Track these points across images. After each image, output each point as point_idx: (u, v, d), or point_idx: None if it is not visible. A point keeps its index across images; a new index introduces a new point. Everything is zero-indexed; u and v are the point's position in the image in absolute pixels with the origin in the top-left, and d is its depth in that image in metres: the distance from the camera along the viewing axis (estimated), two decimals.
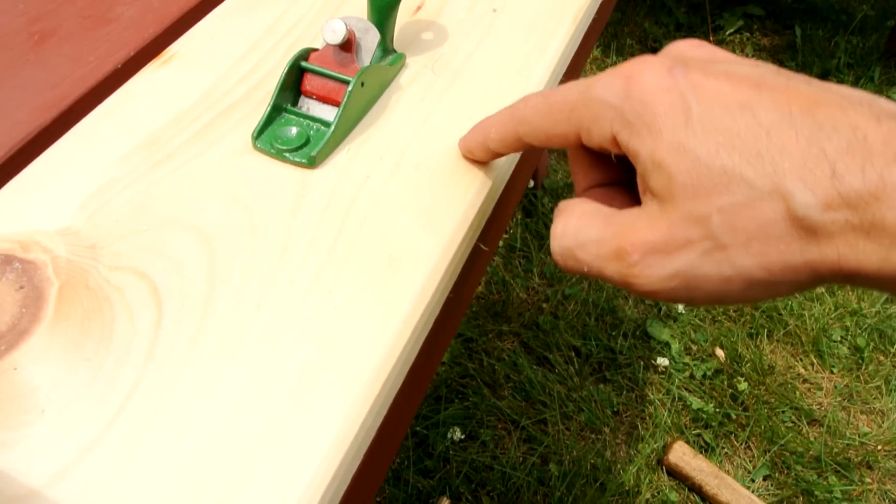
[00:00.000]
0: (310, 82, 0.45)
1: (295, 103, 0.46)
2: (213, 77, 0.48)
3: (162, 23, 0.54)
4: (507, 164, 0.45)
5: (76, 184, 0.41)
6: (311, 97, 0.46)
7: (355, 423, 0.32)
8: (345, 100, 0.43)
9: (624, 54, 2.25)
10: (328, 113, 0.45)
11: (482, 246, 0.44)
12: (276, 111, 0.45)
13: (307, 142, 0.43)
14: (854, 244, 0.25)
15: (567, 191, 1.72)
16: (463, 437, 1.28)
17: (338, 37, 0.44)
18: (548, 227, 1.61)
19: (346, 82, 0.44)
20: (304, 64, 0.45)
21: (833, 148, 0.25)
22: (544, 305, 1.49)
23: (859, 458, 1.38)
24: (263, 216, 0.40)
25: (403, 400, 0.39)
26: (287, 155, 0.43)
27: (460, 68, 0.50)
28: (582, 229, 0.33)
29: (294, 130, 0.44)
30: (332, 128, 0.43)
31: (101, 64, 0.50)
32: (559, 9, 0.55)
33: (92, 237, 0.39)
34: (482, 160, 0.43)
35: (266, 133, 0.44)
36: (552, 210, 1.67)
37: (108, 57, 0.51)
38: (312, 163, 0.42)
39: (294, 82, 0.45)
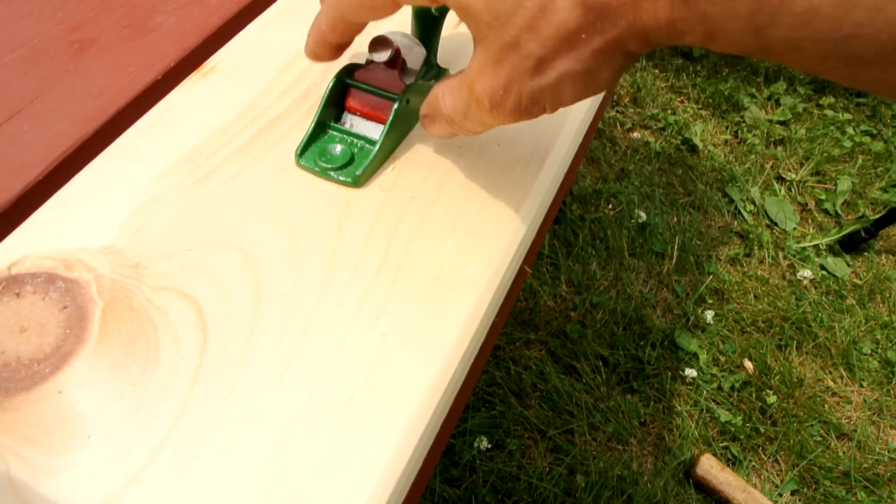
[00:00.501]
0: (354, 99, 0.45)
1: (338, 120, 0.45)
2: (255, 90, 0.48)
3: (202, 33, 0.53)
4: (552, 184, 0.45)
5: (119, 200, 0.41)
6: (355, 114, 0.45)
7: (404, 455, 0.32)
8: (390, 117, 0.43)
9: (654, 58, 2.23)
10: (373, 130, 0.44)
11: (526, 268, 0.44)
12: (319, 128, 0.44)
13: (351, 160, 0.43)
14: (639, 5, 0.28)
15: (595, 197, 1.71)
16: (489, 446, 1.27)
17: (384, 54, 0.43)
18: (576, 235, 1.60)
19: (392, 99, 0.43)
20: (348, 80, 0.44)
21: None
22: (572, 314, 1.48)
23: (889, 474, 1.36)
24: (308, 237, 0.39)
25: (444, 423, 0.38)
26: (331, 173, 0.42)
27: None
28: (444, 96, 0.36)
29: (339, 148, 0.43)
30: (377, 146, 0.42)
31: (141, 74, 0.50)
32: None
33: (135, 256, 0.38)
34: (332, 57, 0.41)
35: (310, 151, 0.43)
36: (580, 217, 1.66)
37: (149, 67, 0.50)
38: (357, 182, 0.42)
39: (338, 98, 0.45)
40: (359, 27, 0.39)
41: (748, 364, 1.48)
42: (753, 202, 1.79)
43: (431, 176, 0.43)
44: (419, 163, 0.44)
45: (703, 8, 0.27)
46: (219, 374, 0.34)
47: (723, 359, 1.48)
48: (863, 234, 1.69)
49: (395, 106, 0.43)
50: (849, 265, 1.70)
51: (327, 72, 0.49)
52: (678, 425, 1.37)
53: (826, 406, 1.44)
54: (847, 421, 1.43)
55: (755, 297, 1.59)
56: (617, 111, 1.94)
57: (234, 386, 0.33)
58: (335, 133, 0.45)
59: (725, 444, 1.36)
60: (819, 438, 1.40)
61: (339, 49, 0.41)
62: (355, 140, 0.44)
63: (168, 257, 0.39)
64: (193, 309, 0.36)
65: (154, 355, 0.34)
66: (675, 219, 1.72)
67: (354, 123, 0.45)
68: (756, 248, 1.69)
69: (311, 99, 0.47)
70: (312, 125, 0.44)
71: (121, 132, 0.45)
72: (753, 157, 1.90)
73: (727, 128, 1.98)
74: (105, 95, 0.48)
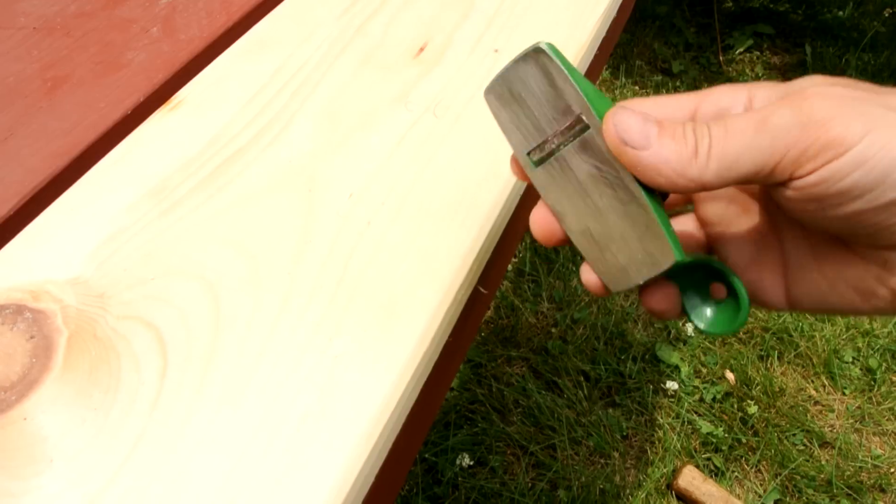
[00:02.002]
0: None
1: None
2: (220, 123, 0.50)
3: (171, 68, 0.55)
4: (507, 206, 0.46)
5: (86, 233, 0.43)
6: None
7: (351, 473, 0.33)
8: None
9: (633, 76, 2.26)
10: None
11: (481, 289, 0.45)
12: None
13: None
14: None
15: None
16: (472, 463, 1.29)
17: None
18: (556, 251, 1.62)
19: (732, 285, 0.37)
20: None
21: None
22: (553, 330, 1.50)
23: (872, 481, 1.38)
24: (267, 264, 0.41)
25: (402, 443, 0.40)
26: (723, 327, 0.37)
27: (462, 111, 0.51)
28: None
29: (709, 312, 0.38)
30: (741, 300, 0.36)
31: (112, 110, 0.52)
32: (562, 45, 0.56)
33: (101, 286, 0.40)
34: None
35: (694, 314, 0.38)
36: None
37: (119, 103, 0.52)
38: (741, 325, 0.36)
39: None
40: None
41: (729, 375, 1.50)
42: None
43: (388, 201, 0.45)
44: (378, 189, 0.45)
45: None
46: (178, 399, 0.35)
47: (704, 370, 1.50)
48: None
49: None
50: None
51: (292, 102, 0.51)
52: (660, 438, 1.38)
53: (808, 415, 1.46)
54: (829, 429, 1.45)
55: None
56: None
57: (191, 410, 0.35)
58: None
59: (708, 455, 1.37)
60: (802, 447, 1.41)
61: None
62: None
63: (132, 287, 0.40)
64: (155, 337, 0.38)
65: (116, 381, 0.36)
66: None
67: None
68: None
69: (273, 130, 0.49)
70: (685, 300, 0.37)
71: (91, 166, 0.47)
72: None
73: None
74: (76, 131, 0.50)
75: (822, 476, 1.37)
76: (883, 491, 1.38)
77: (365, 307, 0.39)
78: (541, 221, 0.36)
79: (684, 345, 1.53)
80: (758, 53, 2.43)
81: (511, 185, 0.46)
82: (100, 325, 0.38)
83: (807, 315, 1.61)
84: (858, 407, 1.49)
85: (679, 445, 1.37)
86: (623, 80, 2.24)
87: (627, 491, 1.30)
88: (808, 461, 1.39)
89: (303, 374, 0.36)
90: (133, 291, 0.40)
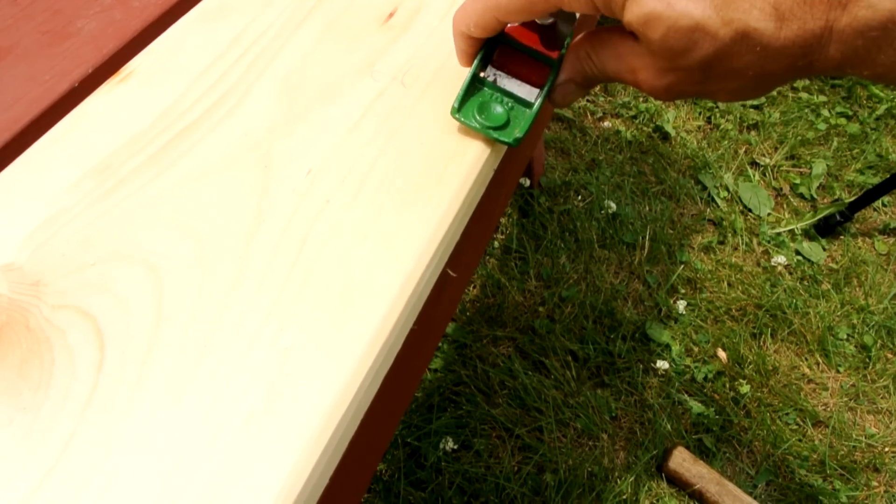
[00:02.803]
0: (504, 55, 0.44)
1: (482, 71, 0.44)
2: (172, 95, 0.46)
3: (123, 37, 0.52)
4: (478, 183, 0.43)
5: (23, 215, 0.39)
6: (502, 70, 0.44)
7: (301, 475, 0.30)
8: (549, 82, 0.42)
9: None
10: (519, 89, 0.44)
11: (450, 272, 0.42)
12: (474, 82, 0.44)
13: (508, 121, 0.42)
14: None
15: (564, 189, 1.70)
16: (456, 447, 1.26)
17: (548, 17, 0.42)
18: (545, 228, 1.59)
19: (549, 64, 0.43)
20: (506, 35, 0.43)
21: None
22: (540, 309, 1.47)
23: (866, 461, 1.36)
24: (216, 247, 0.38)
25: (365, 441, 0.37)
26: (491, 132, 0.42)
27: (432, 80, 0.47)
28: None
29: (498, 108, 0.43)
30: (535, 109, 0.42)
31: (57, 83, 0.48)
32: None
33: (36, 273, 0.37)
34: (470, 49, 0.43)
35: (467, 105, 0.43)
36: (549, 210, 1.65)
37: (65, 75, 0.49)
38: (517, 144, 0.42)
39: (488, 52, 0.44)
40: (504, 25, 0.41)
41: (721, 354, 1.48)
42: (727, 188, 1.78)
43: (349, 179, 0.41)
44: (338, 165, 0.42)
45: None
46: (114, 396, 0.32)
47: (696, 349, 1.48)
48: (838, 217, 1.69)
49: (553, 73, 0.42)
50: (824, 249, 1.69)
51: (250, 73, 0.47)
52: (650, 419, 1.36)
53: (801, 394, 1.44)
54: (823, 408, 1.43)
55: (729, 285, 1.58)
56: (587, 100, 1.93)
57: (128, 408, 0.32)
58: (487, 90, 0.44)
59: (699, 436, 1.35)
60: (794, 427, 1.39)
61: (480, 42, 0.43)
62: (506, 99, 0.43)
63: (70, 274, 0.37)
64: (92, 328, 0.35)
65: (48, 377, 0.33)
66: (647, 208, 1.71)
67: (499, 79, 0.44)
68: (730, 235, 1.68)
69: (228, 102, 0.46)
70: (469, 78, 0.43)
71: (32, 143, 0.44)
72: (727, 142, 1.89)
73: (700, 114, 1.97)
74: (18, 106, 0.47)
75: (815, 456, 1.35)
76: (877, 471, 1.36)
77: (320, 294, 0.36)
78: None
79: (675, 323, 1.51)
80: None
81: (483, 161, 0.43)
82: (33, 315, 0.35)
83: (801, 291, 1.59)
84: (853, 385, 1.47)
85: (669, 426, 1.35)
86: None
87: (616, 473, 1.27)
88: (800, 441, 1.37)
89: (249, 369, 0.33)
90: (71, 279, 0.37)
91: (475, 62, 0.43)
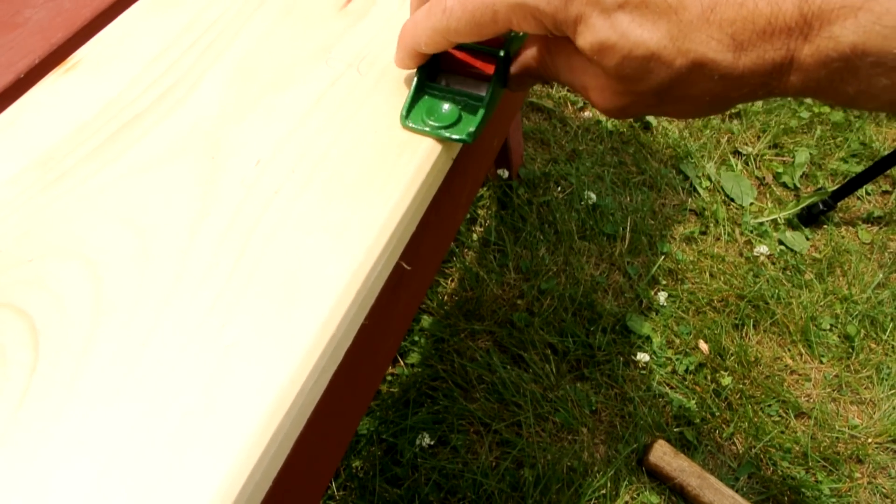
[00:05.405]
0: (450, 57, 0.43)
1: (433, 79, 0.44)
2: (119, 85, 0.45)
3: (72, 26, 0.50)
4: (435, 173, 0.42)
5: None
6: (451, 72, 0.44)
7: (239, 477, 0.29)
8: (496, 73, 0.42)
9: None
10: (473, 87, 0.43)
11: (405, 265, 0.41)
12: (420, 88, 0.43)
13: (460, 118, 0.42)
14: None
15: (544, 180, 1.68)
16: (432, 442, 1.24)
17: None
18: (524, 220, 1.57)
19: (493, 54, 0.42)
20: None
21: None
22: (519, 302, 1.46)
23: (849, 452, 1.35)
24: (158, 240, 0.36)
25: (315, 442, 0.36)
26: (443, 132, 0.41)
27: (388, 66, 0.46)
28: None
29: (446, 107, 0.42)
30: (487, 99, 0.42)
31: (1, 74, 0.47)
32: None
33: None
34: (417, 63, 0.42)
35: (415, 111, 0.42)
36: (528, 201, 1.63)
37: (10, 66, 0.47)
38: (472, 139, 0.41)
39: (434, 58, 0.43)
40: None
41: (703, 345, 1.47)
42: (709, 178, 1.77)
43: (299, 168, 0.40)
44: (288, 155, 0.41)
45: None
46: (46, 398, 0.31)
47: (677, 341, 1.47)
48: (821, 206, 1.68)
49: (501, 53, 0.41)
50: (808, 239, 1.68)
51: (201, 60, 0.46)
52: (630, 412, 1.35)
53: (784, 385, 1.43)
54: (806, 399, 1.42)
55: (711, 275, 1.58)
56: (568, 90, 1.91)
57: (61, 409, 0.31)
58: (436, 92, 0.43)
59: (680, 429, 1.34)
60: (777, 419, 1.39)
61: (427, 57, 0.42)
62: (457, 97, 0.43)
63: (6, 270, 0.36)
64: (27, 326, 0.33)
65: None
66: (628, 199, 1.70)
67: (451, 82, 0.44)
68: (712, 225, 1.67)
69: (178, 92, 0.44)
70: (415, 85, 0.42)
71: None
72: (709, 131, 1.88)
73: None
74: None
75: (798, 448, 1.35)
76: (860, 462, 1.35)
77: (265, 288, 0.35)
78: None
79: (656, 315, 1.50)
80: None
81: (438, 152, 0.41)
82: None
83: (784, 282, 1.58)
84: (836, 375, 1.46)
85: (650, 419, 1.34)
86: None
87: (596, 468, 1.26)
88: (783, 433, 1.36)
89: (188, 367, 0.32)
90: (6, 275, 0.35)
91: (420, 70, 0.43)
